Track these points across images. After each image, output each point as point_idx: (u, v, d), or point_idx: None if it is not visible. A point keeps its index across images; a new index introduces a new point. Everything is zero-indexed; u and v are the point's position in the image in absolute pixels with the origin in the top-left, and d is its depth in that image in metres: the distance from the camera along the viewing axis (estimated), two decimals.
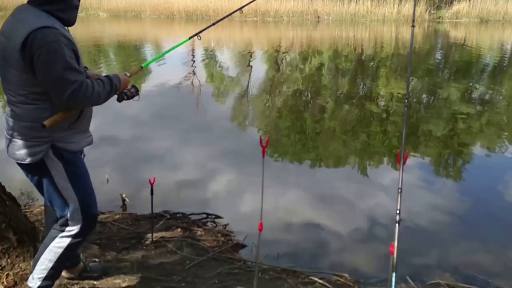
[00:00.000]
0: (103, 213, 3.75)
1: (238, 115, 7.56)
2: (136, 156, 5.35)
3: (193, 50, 14.79)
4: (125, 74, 2.22)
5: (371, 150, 5.86)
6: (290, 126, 6.99)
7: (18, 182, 3.88)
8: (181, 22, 23.65)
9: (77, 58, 1.95)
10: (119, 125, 6.50)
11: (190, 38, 2.82)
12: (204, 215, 3.82)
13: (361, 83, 10.55)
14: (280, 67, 12.65)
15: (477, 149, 5.97)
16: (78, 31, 19.99)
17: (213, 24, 3.16)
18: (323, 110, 7.85)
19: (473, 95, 9.25)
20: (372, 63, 13.36)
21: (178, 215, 3.77)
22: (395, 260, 1.59)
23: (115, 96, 2.21)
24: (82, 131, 2.14)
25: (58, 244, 2.14)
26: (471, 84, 10.40)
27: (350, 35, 20.15)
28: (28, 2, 1.97)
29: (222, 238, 3.39)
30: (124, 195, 4.05)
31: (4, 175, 3.36)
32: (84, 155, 2.30)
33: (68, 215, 2.12)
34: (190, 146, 5.75)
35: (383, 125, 6.93)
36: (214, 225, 3.71)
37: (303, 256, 3.37)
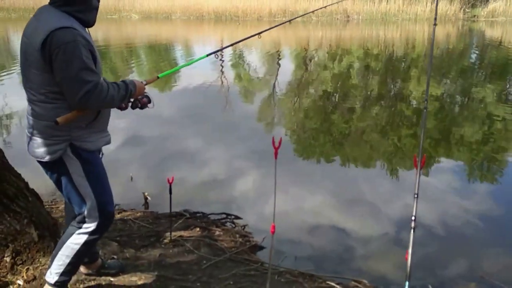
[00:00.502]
0: (125, 211, 3.81)
1: (265, 115, 7.54)
2: (162, 155, 5.41)
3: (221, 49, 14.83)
4: (141, 82, 2.24)
5: (399, 153, 5.73)
6: (317, 127, 6.93)
7: (45, 179, 4.01)
8: (211, 23, 23.85)
9: (95, 59, 1.98)
10: (147, 125, 6.59)
11: (208, 55, 2.85)
12: (224, 215, 3.82)
13: (391, 84, 10.34)
14: (308, 67, 12.56)
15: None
16: (111, 33, 20.50)
17: (231, 45, 3.19)
18: (350, 111, 7.73)
19: (509, 97, 8.91)
20: (402, 64, 13.08)
21: (198, 214, 3.78)
22: (408, 267, 1.53)
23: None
24: (100, 130, 2.17)
25: (75, 240, 2.18)
26: (507, 85, 10.02)
27: (380, 34, 19.81)
28: (49, 3, 2.02)
29: (240, 239, 3.38)
30: (146, 194, 4.10)
31: (32, 172, 3.47)
32: (102, 154, 2.33)
33: (86, 212, 2.15)
34: (216, 146, 5.78)
35: (413, 127, 6.76)
36: (233, 225, 3.70)
37: (322, 260, 3.32)
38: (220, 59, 12.89)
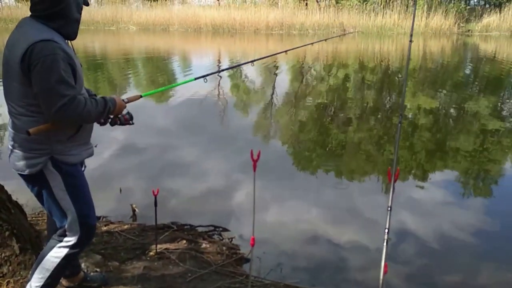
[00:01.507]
0: (112, 223, 3.80)
1: (260, 128, 7.56)
2: (153, 167, 5.40)
3: (219, 62, 14.97)
4: (123, 100, 2.25)
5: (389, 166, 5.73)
6: (312, 139, 6.94)
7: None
8: (208, 35, 24.02)
9: (74, 72, 1.99)
10: (139, 136, 6.59)
11: (196, 79, 2.87)
12: (212, 227, 3.81)
13: (386, 97, 10.40)
14: (304, 80, 12.63)
15: (507, 167, 5.76)
16: (109, 44, 20.63)
17: (221, 70, 3.21)
18: (346, 123, 7.76)
19: (503, 111, 8.96)
20: (397, 77, 13.18)
21: (185, 226, 3.77)
22: (381, 280, 1.53)
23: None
24: (82, 143, 2.17)
25: (55, 254, 2.17)
26: (501, 99, 10.09)
27: (376, 48, 19.98)
28: (30, 15, 2.03)
29: (227, 252, 3.36)
30: (134, 206, 4.09)
31: (18, 184, 3.47)
32: (85, 167, 2.34)
33: (66, 226, 2.15)
34: (208, 158, 5.77)
35: (408, 140, 6.78)
36: (221, 238, 3.69)
37: (308, 272, 3.30)
38: (218, 75, 12.97)
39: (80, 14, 2.10)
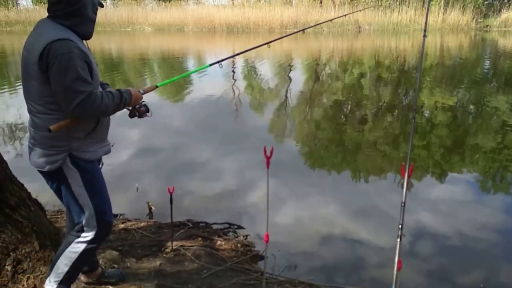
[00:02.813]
0: (129, 221, 3.85)
1: (276, 126, 7.56)
2: (169, 165, 5.46)
3: (233, 60, 15.02)
4: (139, 91, 2.29)
5: (414, 163, 5.64)
6: (328, 137, 6.92)
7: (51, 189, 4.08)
8: (222, 35, 24.08)
9: (91, 70, 2.03)
10: (156, 135, 6.68)
11: (210, 65, 2.89)
12: (227, 225, 3.83)
13: (403, 94, 10.29)
14: (320, 78, 12.58)
15: None
16: (125, 45, 20.86)
17: (237, 54, 3.24)
18: (362, 121, 7.71)
19: None
20: (414, 73, 13.03)
21: (201, 224, 3.80)
22: (395, 275, 1.53)
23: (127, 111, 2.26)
24: (99, 140, 2.22)
25: (73, 249, 2.22)
26: None
27: (392, 45, 19.78)
28: (47, 16, 2.09)
29: (242, 249, 3.38)
30: (150, 203, 4.14)
31: (38, 182, 3.54)
32: (102, 164, 2.38)
33: (84, 221, 2.20)
34: (225, 156, 5.80)
35: (425, 137, 6.71)
36: (236, 235, 3.71)
37: (323, 269, 3.30)
38: (232, 70, 13.01)
39: (96, 14, 2.15)
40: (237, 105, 8.97)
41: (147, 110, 2.33)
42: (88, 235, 2.21)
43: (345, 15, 5.73)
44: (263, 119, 8.00)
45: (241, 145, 6.27)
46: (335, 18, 5.11)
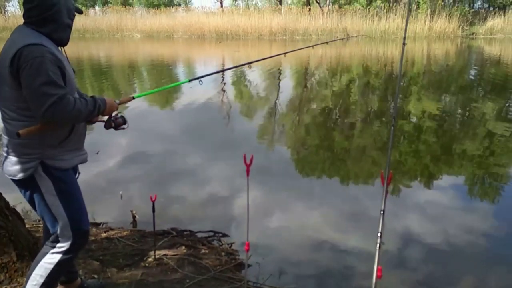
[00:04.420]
0: (112, 229, 3.79)
1: (261, 133, 7.54)
2: (155, 173, 5.40)
3: (222, 67, 15.02)
4: (115, 101, 2.26)
5: (401, 170, 5.64)
6: (314, 144, 6.91)
7: None
8: (212, 42, 24.11)
9: (64, 76, 2.00)
10: (141, 142, 6.62)
11: (190, 80, 2.88)
12: (211, 233, 3.79)
13: (390, 101, 10.35)
14: (308, 85, 12.62)
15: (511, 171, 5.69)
16: (114, 52, 20.78)
17: (217, 72, 3.21)
18: (348, 128, 7.73)
19: (508, 114, 8.88)
20: (402, 82, 13.14)
21: (185, 232, 3.76)
22: (374, 284, 1.51)
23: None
24: (74, 149, 2.17)
25: (49, 260, 2.17)
26: (506, 102, 10.01)
27: (380, 52, 19.95)
28: (24, 23, 2.06)
29: (226, 257, 3.34)
30: (134, 212, 4.08)
31: (18, 191, 3.48)
32: (79, 173, 2.34)
33: (58, 231, 2.15)
34: (209, 163, 5.76)
35: (413, 144, 6.73)
36: (220, 243, 3.67)
37: (307, 277, 3.27)
38: (221, 76, 13.01)
39: (72, 20, 2.13)
40: (225, 112, 8.95)
41: (124, 121, 2.30)
42: (63, 245, 2.16)
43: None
44: (251, 125, 7.98)
45: (228, 152, 6.24)
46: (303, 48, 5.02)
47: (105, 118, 2.25)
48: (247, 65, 3.23)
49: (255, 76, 13.58)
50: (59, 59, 1.98)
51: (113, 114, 2.30)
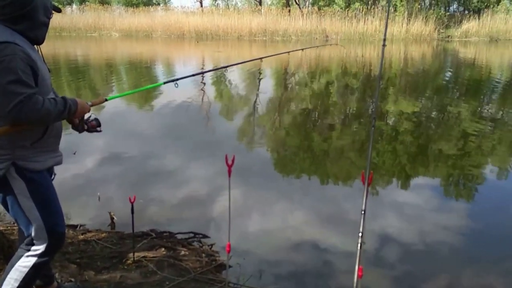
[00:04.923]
0: (89, 231, 3.72)
1: (244, 134, 7.53)
2: (134, 174, 5.33)
3: (202, 68, 14.96)
4: (87, 103, 2.21)
5: (378, 171, 5.69)
6: (295, 144, 6.93)
7: None
8: (191, 42, 23.96)
9: (36, 75, 1.94)
10: (121, 143, 6.53)
11: (165, 83, 2.86)
12: (192, 234, 3.76)
13: (368, 102, 10.48)
14: (288, 86, 12.67)
15: (488, 170, 5.81)
16: (91, 50, 20.44)
17: (193, 75, 3.18)
18: (327, 129, 7.78)
19: (482, 114, 9.09)
20: (379, 85, 13.30)
21: (164, 234, 3.71)
22: (355, 284, 1.51)
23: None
24: (49, 150, 2.12)
25: (23, 263, 2.11)
26: (480, 103, 10.26)
27: (358, 54, 20.18)
28: None
29: (206, 259, 3.31)
30: (112, 213, 4.01)
31: None
32: (54, 175, 2.28)
33: (33, 234, 2.09)
34: (189, 164, 5.72)
35: (391, 144, 6.82)
36: (200, 245, 3.64)
37: (288, 277, 3.27)
38: (201, 76, 12.94)
39: (49, 18, 2.07)
40: (205, 112, 8.91)
41: (98, 124, 2.25)
42: (38, 248, 2.10)
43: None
44: (230, 126, 7.96)
45: (207, 152, 6.20)
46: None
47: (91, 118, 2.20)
48: (225, 67, 3.21)
49: (234, 77, 13.57)
50: (31, 59, 1.93)
51: (86, 116, 2.25)
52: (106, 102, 2.44)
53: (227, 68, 14.20)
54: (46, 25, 2.06)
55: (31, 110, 1.87)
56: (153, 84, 2.64)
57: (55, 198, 2.16)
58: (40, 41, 2.06)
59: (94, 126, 2.25)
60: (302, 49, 4.67)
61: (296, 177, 5.50)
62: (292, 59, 18.10)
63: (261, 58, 3.96)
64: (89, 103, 2.23)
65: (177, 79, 2.85)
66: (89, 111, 2.23)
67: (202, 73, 12.53)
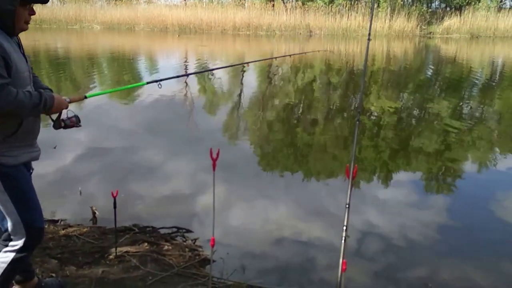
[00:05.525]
0: (70, 226, 3.67)
1: (228, 129, 7.50)
2: (116, 168, 5.26)
3: (185, 62, 14.84)
4: (64, 99, 2.16)
5: (361, 165, 5.73)
6: (279, 139, 6.94)
7: None
8: (175, 35, 23.74)
9: (8, 66, 1.89)
10: (104, 138, 6.44)
11: (148, 83, 2.82)
12: (175, 229, 3.74)
13: (352, 97, 10.54)
14: (272, 81, 12.65)
15: (466, 165, 5.91)
16: (73, 43, 20.07)
17: (177, 76, 3.15)
18: (311, 124, 7.80)
19: (463, 111, 9.24)
20: (363, 79, 13.38)
21: (147, 228, 3.68)
22: (339, 277, 1.52)
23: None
24: (23, 145, 2.07)
25: (1, 258, 2.08)
26: (460, 99, 10.42)
27: (342, 49, 20.27)
28: None
29: (190, 253, 3.30)
30: (94, 208, 3.96)
31: None
32: (32, 169, 2.24)
33: (10, 229, 2.06)
34: (172, 159, 5.67)
35: (373, 139, 6.88)
36: (184, 239, 3.62)
37: (272, 272, 3.28)
38: (185, 70, 12.83)
39: (14, 6, 1.92)
40: (188, 107, 8.84)
41: (78, 121, 2.21)
42: (16, 244, 2.07)
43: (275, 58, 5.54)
44: (214, 121, 7.92)
45: (191, 147, 6.16)
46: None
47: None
48: (211, 67, 3.19)
49: (218, 71, 13.47)
50: (4, 50, 1.86)
51: (64, 112, 2.20)
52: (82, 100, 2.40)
53: (211, 63, 14.15)
54: (11, 13, 1.92)
55: (3, 101, 1.82)
56: (136, 84, 2.58)
57: (32, 193, 2.12)
58: (10, 31, 1.97)
59: (73, 122, 2.20)
60: (290, 55, 4.69)
61: (280, 172, 5.51)
62: (276, 54, 18.10)
63: (247, 63, 3.96)
64: (68, 100, 2.18)
65: (161, 80, 2.82)
66: (67, 108, 2.18)
67: (187, 75, 12.42)
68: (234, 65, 4.07)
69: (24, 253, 2.09)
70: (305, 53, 13.84)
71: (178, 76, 3.12)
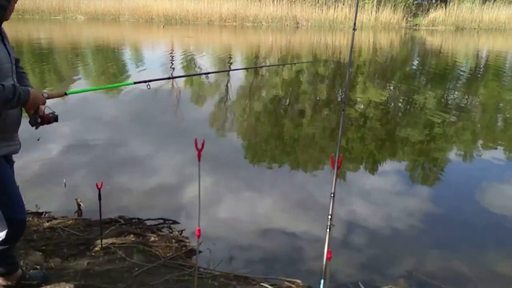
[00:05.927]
0: (55, 219, 3.64)
1: (214, 120, 7.47)
2: (102, 160, 5.22)
3: (171, 53, 14.71)
4: (42, 94, 2.12)
5: (347, 156, 5.76)
6: (266, 131, 6.94)
7: None
8: (160, 26, 23.46)
9: None
10: (87, 130, 6.37)
11: (135, 83, 2.81)
12: (161, 221, 3.73)
13: (338, 89, 10.57)
14: (259, 73, 12.61)
15: (451, 155, 5.99)
16: (55, 34, 19.72)
17: (168, 78, 3.12)
18: (298, 115, 7.82)
19: (448, 102, 9.34)
20: (349, 69, 13.42)
21: (133, 220, 3.66)
22: (324, 265, 1.53)
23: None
24: (2, 138, 2.04)
25: None
26: (445, 91, 10.52)
27: (328, 41, 20.29)
28: None
29: (176, 244, 3.30)
30: (79, 200, 3.93)
31: None
32: (13, 162, 2.21)
33: None
34: (158, 151, 5.64)
35: (360, 130, 6.91)
36: (170, 231, 3.62)
37: (258, 262, 3.31)
38: (171, 62, 12.73)
39: (8, 2, 1.93)
40: (174, 99, 8.78)
41: (55, 119, 2.16)
42: None
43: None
44: (200, 113, 7.88)
45: (176, 140, 6.13)
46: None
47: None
48: (198, 60, 3.17)
49: (205, 62, 13.40)
50: None
51: (43, 109, 2.13)
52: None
53: (198, 55, 14.03)
54: (3, 8, 1.93)
55: None
56: (123, 83, 2.57)
57: (13, 184, 2.09)
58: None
59: (49, 119, 2.13)
60: (279, 65, 4.70)
61: (267, 163, 5.53)
62: (263, 46, 18.05)
63: (239, 69, 3.92)
64: (45, 95, 2.13)
65: (149, 81, 2.79)
66: (44, 104, 2.12)
67: (177, 77, 12.34)
68: (226, 71, 4.01)
69: (6, 245, 2.07)
70: (295, 63, 13.82)
71: (168, 78, 3.11)
